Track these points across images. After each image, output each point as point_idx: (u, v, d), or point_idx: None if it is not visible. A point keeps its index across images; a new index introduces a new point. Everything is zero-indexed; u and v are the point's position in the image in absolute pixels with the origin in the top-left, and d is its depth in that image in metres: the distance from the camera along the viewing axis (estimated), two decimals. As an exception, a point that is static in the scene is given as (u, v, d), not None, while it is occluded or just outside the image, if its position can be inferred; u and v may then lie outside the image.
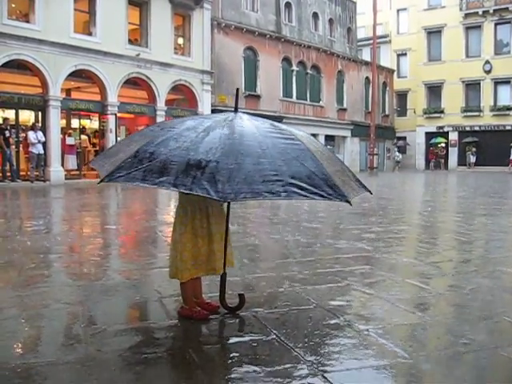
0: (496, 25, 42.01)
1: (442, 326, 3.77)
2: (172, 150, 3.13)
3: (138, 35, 24.52)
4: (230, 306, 3.92)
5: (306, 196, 3.14)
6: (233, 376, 2.85)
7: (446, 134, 44.48)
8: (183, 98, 26.94)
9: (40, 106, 20.64)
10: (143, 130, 3.88)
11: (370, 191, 3.80)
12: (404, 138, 45.87)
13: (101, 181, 3.21)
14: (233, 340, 3.42)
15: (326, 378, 2.82)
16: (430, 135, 45.15)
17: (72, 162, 21.76)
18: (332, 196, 3.20)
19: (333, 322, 3.78)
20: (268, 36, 31.45)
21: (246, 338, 3.43)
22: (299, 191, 3.12)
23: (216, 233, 3.76)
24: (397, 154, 43.01)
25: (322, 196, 3.18)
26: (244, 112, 3.81)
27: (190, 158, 3.08)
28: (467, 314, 4.03)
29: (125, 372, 2.96)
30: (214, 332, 3.68)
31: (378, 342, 3.36)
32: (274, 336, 3.45)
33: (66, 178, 21.01)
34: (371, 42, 36.83)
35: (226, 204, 3.68)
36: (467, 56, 43.28)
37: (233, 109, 3.70)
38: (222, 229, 3.80)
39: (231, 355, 3.16)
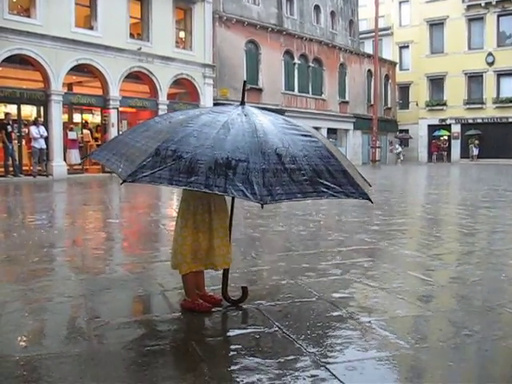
0: (499, 16, 41.80)
1: (444, 318, 3.78)
2: (196, 148, 3.03)
3: (140, 29, 24.46)
4: (233, 298, 3.93)
5: (333, 195, 3.17)
6: (236, 368, 2.86)
7: (448, 127, 44.36)
8: (185, 92, 26.89)
9: (42, 100, 20.62)
10: (148, 123, 3.72)
11: (370, 185, 3.81)
12: (406, 131, 45.78)
13: (123, 181, 3.03)
14: (236, 332, 3.43)
15: (328, 369, 2.83)
16: (432, 128, 45.03)
17: (75, 156, 21.75)
18: (355, 194, 3.25)
19: (335, 314, 3.78)
20: (270, 29, 31.35)
21: (249, 330, 3.44)
22: (327, 190, 3.14)
23: (217, 228, 3.75)
24: (396, 146, 42.86)
25: (346, 195, 3.22)
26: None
27: (217, 156, 2.98)
28: (469, 306, 4.03)
29: (128, 364, 2.97)
30: (217, 324, 3.70)
31: (380, 334, 3.37)
32: (277, 328, 3.46)
33: (68, 173, 21.02)
34: (373, 34, 36.72)
35: (228, 199, 3.66)
36: (470, 48, 43.09)
37: (236, 102, 3.67)
38: (223, 224, 3.79)
39: (234, 347, 3.17)
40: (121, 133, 3.78)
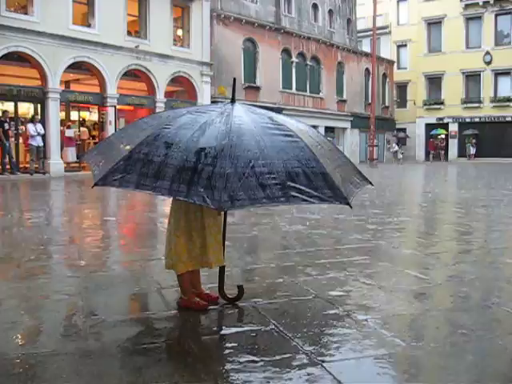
0: (496, 15, 41.84)
1: (440, 316, 3.78)
2: (167, 152, 3.01)
3: (137, 27, 24.42)
4: (230, 296, 3.93)
5: (305, 200, 3.06)
6: (232, 366, 2.86)
7: (446, 126, 44.40)
8: (183, 90, 26.87)
9: (39, 98, 20.58)
10: (137, 123, 3.70)
11: (371, 183, 3.81)
12: (404, 130, 45.78)
13: (94, 184, 3.07)
14: (232, 330, 3.43)
15: (324, 367, 2.82)
16: (430, 127, 45.06)
17: (72, 154, 21.73)
18: (332, 198, 3.15)
19: (332, 312, 3.78)
20: (267, 27, 31.33)
21: (246, 329, 3.44)
22: (298, 195, 3.03)
23: (210, 226, 3.71)
24: (393, 145, 42.81)
25: (321, 199, 3.11)
26: (243, 103, 3.76)
27: (185, 160, 2.95)
28: (466, 304, 4.04)
29: (124, 362, 2.97)
30: (214, 322, 3.69)
31: (376, 332, 3.37)
32: (273, 326, 3.46)
33: (65, 171, 21.00)
34: (371, 33, 36.68)
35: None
36: (467, 47, 43.12)
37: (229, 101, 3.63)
38: (217, 222, 3.77)
39: (230, 345, 3.16)
40: (115, 131, 3.71)
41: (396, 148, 41.39)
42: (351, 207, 3.26)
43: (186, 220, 3.68)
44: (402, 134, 44.43)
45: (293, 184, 3.02)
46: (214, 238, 3.74)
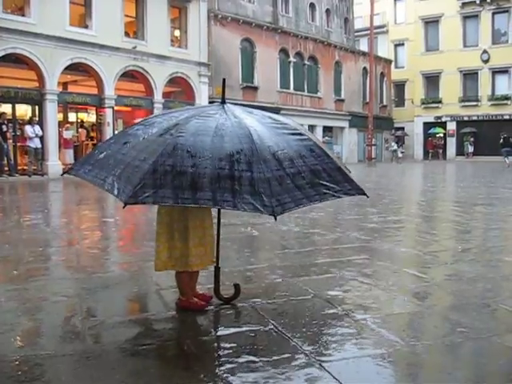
0: (493, 14, 41.89)
1: (439, 315, 3.78)
2: (195, 161, 2.89)
3: (135, 28, 24.41)
4: (226, 296, 3.92)
5: (333, 195, 3.10)
6: (231, 366, 2.86)
7: (443, 124, 44.43)
8: (180, 91, 26.86)
9: (37, 99, 20.56)
10: (129, 132, 3.47)
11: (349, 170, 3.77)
12: (402, 129, 45.77)
13: (125, 204, 2.89)
14: (231, 331, 3.42)
15: (323, 367, 2.82)
16: (427, 125, 45.10)
17: (69, 156, 21.73)
18: (352, 191, 3.19)
19: (331, 311, 3.78)
20: (265, 27, 31.34)
21: (244, 329, 3.44)
22: (327, 191, 3.06)
23: (195, 227, 3.62)
24: (392, 144, 42.75)
25: (345, 193, 3.17)
26: (241, 104, 3.74)
27: (218, 168, 2.87)
28: (465, 303, 4.04)
29: (123, 363, 2.96)
30: (212, 323, 3.69)
31: (375, 331, 3.37)
32: (272, 326, 3.46)
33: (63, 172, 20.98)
34: (368, 32, 36.69)
35: None
36: (465, 46, 43.18)
37: (231, 100, 3.60)
38: (203, 224, 3.67)
39: (229, 346, 3.16)
40: (100, 144, 3.53)
41: (395, 147, 41.17)
42: (368, 196, 3.37)
43: (170, 218, 3.63)
44: (399, 133, 44.32)
45: (319, 181, 3.06)
46: (199, 240, 3.65)
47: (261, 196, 2.82)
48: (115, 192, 3.01)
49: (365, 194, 3.28)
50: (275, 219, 2.89)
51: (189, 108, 3.66)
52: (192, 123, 3.17)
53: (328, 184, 3.09)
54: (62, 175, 3.20)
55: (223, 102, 3.50)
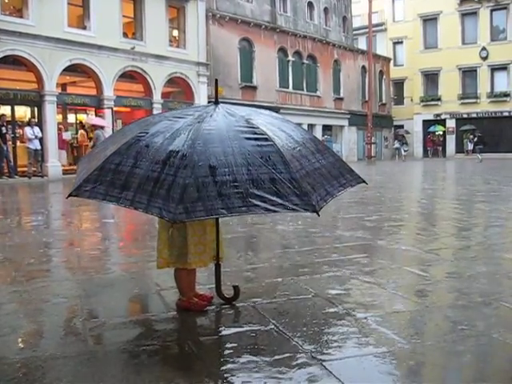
0: (492, 11, 41.85)
1: (440, 313, 3.78)
2: (136, 161, 2.99)
3: (133, 28, 24.40)
4: (227, 296, 3.92)
5: (267, 209, 2.93)
6: (232, 366, 2.86)
7: (443, 122, 44.42)
8: (179, 91, 26.85)
9: (36, 101, 20.56)
10: (123, 129, 3.66)
11: (364, 181, 3.79)
12: (401, 127, 45.70)
13: (68, 195, 3.11)
14: (232, 330, 3.42)
15: (324, 366, 2.82)
16: (427, 123, 45.08)
17: (63, 157, 21.84)
18: (298, 206, 2.97)
19: (331, 310, 3.78)
20: (263, 27, 31.33)
21: (245, 329, 3.43)
22: (261, 203, 2.89)
23: (192, 225, 3.58)
24: (393, 142, 42.64)
25: (286, 208, 2.94)
26: (241, 104, 3.73)
27: (150, 170, 2.93)
28: (466, 301, 4.04)
29: (124, 364, 2.96)
30: (213, 323, 3.69)
31: (376, 330, 3.37)
32: (273, 326, 3.45)
33: (63, 173, 20.99)
34: (367, 30, 36.70)
35: None
36: (463, 43, 43.14)
37: (230, 100, 3.60)
38: (202, 222, 3.60)
39: (230, 346, 3.16)
40: (105, 160, 3.53)
41: (397, 145, 40.82)
42: (319, 215, 3.11)
43: None
44: (402, 131, 43.91)
45: (257, 192, 2.91)
46: (198, 238, 3.65)
47: (169, 201, 2.82)
48: (155, 211, 2.95)
49: (315, 212, 3.03)
50: (318, 215, 2.97)
51: (180, 109, 3.64)
52: (160, 124, 3.25)
53: (266, 196, 2.92)
54: (67, 198, 3.19)
55: (216, 102, 3.49)
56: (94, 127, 20.77)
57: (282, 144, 3.17)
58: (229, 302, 3.92)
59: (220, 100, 3.60)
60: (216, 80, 3.77)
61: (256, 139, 3.13)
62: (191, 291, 3.90)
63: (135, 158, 3.02)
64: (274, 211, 2.96)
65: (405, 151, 40.26)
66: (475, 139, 36.63)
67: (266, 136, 3.15)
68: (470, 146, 42.05)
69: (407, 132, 44.63)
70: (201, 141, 3.04)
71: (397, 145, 40.85)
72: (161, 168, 2.94)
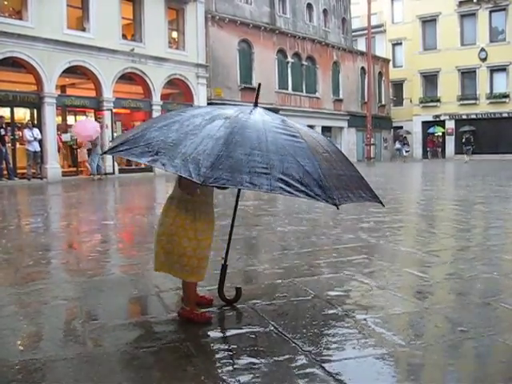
0: (491, 12, 41.96)
1: (440, 314, 3.78)
2: (172, 133, 3.11)
3: (132, 30, 24.44)
4: (228, 298, 3.93)
5: (290, 193, 3.00)
6: (231, 368, 2.85)
7: (442, 123, 44.47)
8: (179, 92, 26.89)
9: (35, 103, 20.59)
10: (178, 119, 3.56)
11: (381, 203, 3.80)
12: (401, 128, 45.78)
13: (103, 153, 3.35)
14: (231, 332, 3.42)
15: (324, 368, 2.82)
16: (426, 124, 45.13)
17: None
18: (320, 197, 3.08)
19: (331, 312, 3.78)
20: (262, 28, 31.37)
21: (245, 330, 3.43)
22: (285, 187, 2.98)
23: (189, 238, 3.51)
24: (394, 142, 42.59)
25: (308, 195, 3.03)
26: (240, 105, 3.75)
27: (185, 142, 3.03)
28: (466, 302, 4.04)
29: (124, 366, 2.96)
30: (213, 325, 3.68)
31: (376, 331, 3.36)
32: (273, 327, 3.45)
33: (62, 175, 21.00)
34: (366, 31, 36.77)
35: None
36: (462, 44, 43.23)
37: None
38: (197, 237, 3.52)
39: (229, 347, 3.16)
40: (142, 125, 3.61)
41: (398, 146, 40.56)
42: (338, 208, 3.20)
43: (173, 220, 3.54)
44: (402, 131, 43.69)
45: (283, 177, 3.03)
46: (193, 252, 3.52)
47: (199, 167, 2.89)
48: (153, 161, 3.07)
49: (335, 205, 3.15)
50: (337, 208, 3.11)
51: (224, 107, 3.66)
52: (202, 109, 3.47)
53: (291, 182, 3.04)
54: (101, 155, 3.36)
55: (256, 105, 3.55)
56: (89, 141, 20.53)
57: (312, 145, 3.34)
58: (230, 303, 3.92)
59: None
60: (259, 84, 3.88)
61: (289, 135, 3.29)
62: (195, 300, 3.76)
63: (171, 130, 3.15)
64: (297, 196, 3.05)
65: (406, 152, 40.08)
66: (463, 140, 37.96)
67: (298, 134, 3.33)
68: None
69: (408, 132, 44.45)
70: (238, 124, 3.18)
71: (398, 145, 40.59)
72: (194, 141, 3.03)
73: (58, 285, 4.80)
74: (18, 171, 20.34)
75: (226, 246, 3.97)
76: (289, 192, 3.01)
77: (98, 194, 15.63)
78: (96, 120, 22.98)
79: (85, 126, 20.55)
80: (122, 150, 3.13)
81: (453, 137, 43.96)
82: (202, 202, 3.59)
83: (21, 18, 19.84)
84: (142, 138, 3.13)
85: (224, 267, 3.89)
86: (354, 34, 43.96)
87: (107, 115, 22.79)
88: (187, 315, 3.64)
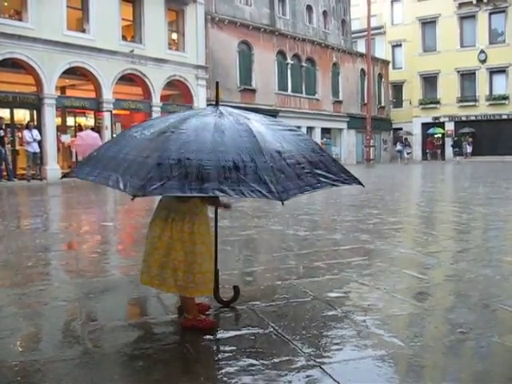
0: (490, 14, 41.97)
1: (439, 316, 3.78)
2: (198, 154, 2.94)
3: (132, 31, 24.44)
4: (225, 299, 3.91)
5: (332, 184, 3.24)
6: (231, 369, 2.85)
7: (442, 125, 44.46)
8: (178, 94, 26.89)
9: (35, 104, 20.58)
10: (127, 134, 3.53)
11: (361, 183, 3.70)
12: (400, 129, 45.74)
13: (134, 196, 2.84)
14: (231, 334, 3.42)
15: (323, 369, 2.82)
16: (426, 126, 45.12)
17: None
18: (348, 181, 3.33)
19: (330, 313, 3.78)
20: (262, 30, 31.38)
21: (244, 332, 3.43)
22: (326, 180, 3.20)
23: (175, 250, 3.42)
24: (395, 144, 42.40)
25: (342, 182, 3.30)
26: (239, 107, 3.77)
27: (221, 160, 2.92)
28: (465, 304, 4.04)
29: (123, 367, 2.96)
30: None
31: (375, 333, 3.37)
32: (272, 329, 3.45)
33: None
34: (366, 33, 36.76)
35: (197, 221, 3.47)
36: (462, 46, 43.23)
37: (229, 103, 3.63)
38: (185, 249, 3.41)
39: (229, 349, 3.16)
40: (99, 148, 3.55)
41: (399, 147, 40.09)
42: (363, 185, 3.53)
43: (170, 233, 3.45)
44: (403, 132, 43.20)
45: (318, 171, 3.20)
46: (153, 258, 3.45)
47: (266, 183, 2.89)
48: (121, 186, 3.01)
49: (361, 184, 3.41)
50: (282, 204, 2.93)
51: (183, 112, 3.69)
52: (191, 121, 3.26)
53: (326, 174, 3.23)
54: (61, 178, 3.23)
55: (217, 104, 3.50)
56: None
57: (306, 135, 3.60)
58: (228, 304, 3.91)
59: (220, 102, 3.61)
60: (217, 82, 3.80)
61: (287, 130, 3.48)
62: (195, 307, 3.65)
63: (194, 151, 2.98)
64: (336, 185, 3.37)
65: (407, 154, 39.70)
66: (451, 143, 39.47)
67: (291, 127, 3.57)
68: (469, 149, 42.12)
69: (409, 133, 43.97)
70: (255, 131, 3.17)
71: (399, 147, 40.02)
72: (233, 157, 2.96)
73: (58, 286, 4.81)
74: (18, 172, 20.33)
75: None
76: (331, 184, 3.25)
77: (98, 195, 15.61)
78: (96, 122, 23.01)
79: (84, 140, 20.50)
80: (155, 188, 2.87)
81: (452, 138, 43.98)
82: (201, 213, 3.50)
83: (21, 19, 19.84)
84: (167, 167, 2.93)
85: (216, 272, 3.77)
86: (353, 35, 43.97)
87: (107, 116, 22.78)
88: (191, 323, 3.50)
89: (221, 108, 3.44)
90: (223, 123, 3.21)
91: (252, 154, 2.99)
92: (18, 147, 20.55)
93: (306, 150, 3.31)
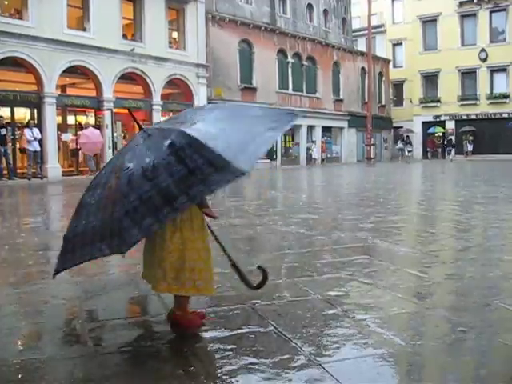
0: (491, 12, 41.97)
1: (440, 315, 3.78)
2: (153, 181, 2.85)
3: (132, 30, 24.45)
4: (254, 285, 3.72)
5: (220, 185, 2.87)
6: (231, 368, 2.85)
7: (443, 123, 44.47)
8: (179, 92, 26.89)
9: (35, 103, 20.60)
10: (84, 204, 3.39)
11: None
12: (401, 128, 45.75)
13: (122, 253, 2.96)
14: (231, 332, 3.41)
15: (323, 368, 2.82)
16: (426, 125, 45.13)
17: None
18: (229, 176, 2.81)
19: (331, 312, 3.78)
20: (263, 28, 31.38)
21: (244, 330, 3.43)
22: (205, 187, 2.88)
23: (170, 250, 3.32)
24: (398, 143, 42.30)
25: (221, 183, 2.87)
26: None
27: (173, 173, 2.81)
28: (465, 302, 4.03)
29: (123, 366, 2.96)
30: (212, 325, 3.68)
31: (376, 332, 3.36)
32: (272, 327, 3.45)
33: (62, 175, 21.00)
34: (366, 32, 36.73)
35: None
36: (463, 44, 43.24)
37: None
38: (179, 247, 3.30)
39: (229, 347, 3.15)
40: (68, 229, 3.39)
41: (400, 145, 39.87)
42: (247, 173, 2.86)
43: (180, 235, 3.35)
44: (403, 130, 43.00)
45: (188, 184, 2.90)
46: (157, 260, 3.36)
47: (138, 223, 2.88)
48: (107, 252, 3.10)
49: (243, 173, 2.72)
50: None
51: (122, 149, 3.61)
52: (128, 155, 3.16)
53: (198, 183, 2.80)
54: (53, 278, 3.26)
55: (140, 128, 3.32)
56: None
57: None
58: (259, 287, 3.71)
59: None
60: (129, 109, 3.65)
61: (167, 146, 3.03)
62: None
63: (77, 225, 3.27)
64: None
65: (409, 152, 39.52)
66: (445, 142, 40.41)
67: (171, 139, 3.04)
68: (470, 148, 42.15)
69: (410, 131, 43.59)
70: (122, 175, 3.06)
71: (400, 145, 39.72)
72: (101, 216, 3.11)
73: (58, 284, 4.80)
74: (18, 171, 20.34)
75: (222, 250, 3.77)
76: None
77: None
78: (96, 121, 23.02)
79: (89, 138, 20.76)
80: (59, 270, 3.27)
81: (453, 137, 43.93)
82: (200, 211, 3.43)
83: (21, 18, 19.86)
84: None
85: (233, 266, 3.73)
86: (354, 34, 43.96)
87: (107, 115, 22.80)
88: (178, 319, 3.47)
89: (147, 130, 3.24)
90: (150, 145, 3.06)
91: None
92: (18, 146, 20.57)
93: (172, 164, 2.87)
